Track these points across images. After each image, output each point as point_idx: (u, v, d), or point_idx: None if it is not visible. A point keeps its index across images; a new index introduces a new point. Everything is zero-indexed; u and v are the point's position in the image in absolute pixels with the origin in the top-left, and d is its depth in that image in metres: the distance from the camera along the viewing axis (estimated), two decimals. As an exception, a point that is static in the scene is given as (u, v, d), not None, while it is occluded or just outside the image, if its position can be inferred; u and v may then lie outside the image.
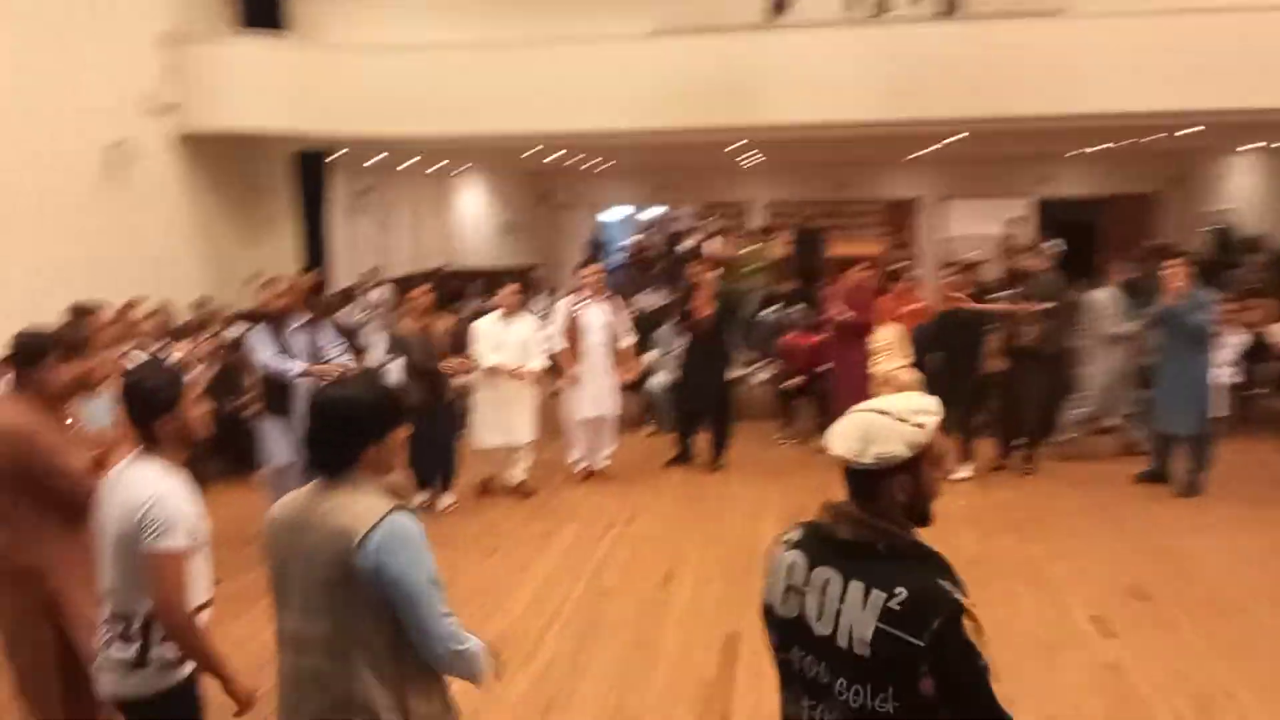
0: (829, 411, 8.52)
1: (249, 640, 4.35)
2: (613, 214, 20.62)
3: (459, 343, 7.20)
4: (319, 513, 2.21)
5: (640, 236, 19.70)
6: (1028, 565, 5.70)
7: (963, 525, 6.33)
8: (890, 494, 1.83)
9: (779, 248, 13.63)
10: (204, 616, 2.72)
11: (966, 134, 11.08)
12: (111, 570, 2.65)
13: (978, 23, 9.79)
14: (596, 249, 18.06)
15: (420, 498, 6.76)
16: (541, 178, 16.72)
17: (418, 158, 13.77)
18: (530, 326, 7.21)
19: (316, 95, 10.16)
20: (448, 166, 16.24)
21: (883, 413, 1.85)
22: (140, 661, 2.65)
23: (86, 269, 8.15)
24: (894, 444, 1.80)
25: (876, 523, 1.84)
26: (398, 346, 6.72)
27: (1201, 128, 10.54)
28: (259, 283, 6.26)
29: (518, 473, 7.29)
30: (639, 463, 8.05)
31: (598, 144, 12.07)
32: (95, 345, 4.47)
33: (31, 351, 3.19)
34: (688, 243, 18.54)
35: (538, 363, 7.14)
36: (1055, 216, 17.28)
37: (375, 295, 11.79)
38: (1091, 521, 6.44)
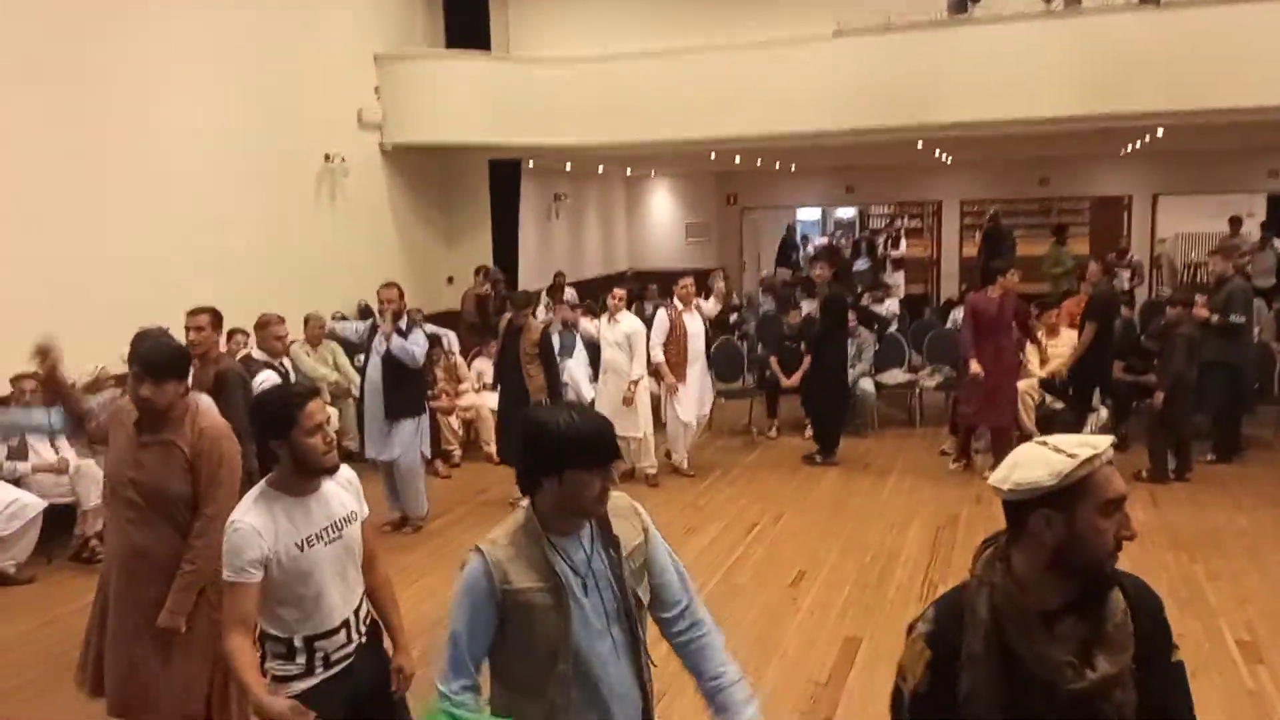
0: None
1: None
2: (807, 214, 20.53)
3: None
4: None
5: (826, 239, 19.54)
6: (1186, 584, 5.39)
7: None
8: (1038, 532, 1.63)
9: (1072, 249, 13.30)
10: (323, 645, 2.73)
11: (1161, 131, 10.34)
12: None
13: (1181, 10, 9.12)
14: (790, 250, 18.07)
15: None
16: (728, 179, 16.89)
17: (600, 167, 14.29)
18: (630, 327, 7.59)
19: (510, 107, 10.81)
20: (637, 172, 16.76)
21: (1043, 444, 1.68)
22: (263, 673, 2.69)
23: (303, 277, 9.08)
24: (1035, 471, 1.61)
25: (990, 559, 1.70)
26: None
27: None
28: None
29: (645, 464, 7.73)
30: (794, 464, 8.16)
31: (780, 147, 12.12)
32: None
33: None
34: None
35: (638, 369, 7.56)
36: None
37: (565, 296, 12.39)
38: (1267, 542, 5.97)
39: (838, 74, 9.92)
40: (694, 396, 7.88)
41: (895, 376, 9.37)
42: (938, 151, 13.52)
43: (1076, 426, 7.48)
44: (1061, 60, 9.24)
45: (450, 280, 11.68)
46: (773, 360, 9.04)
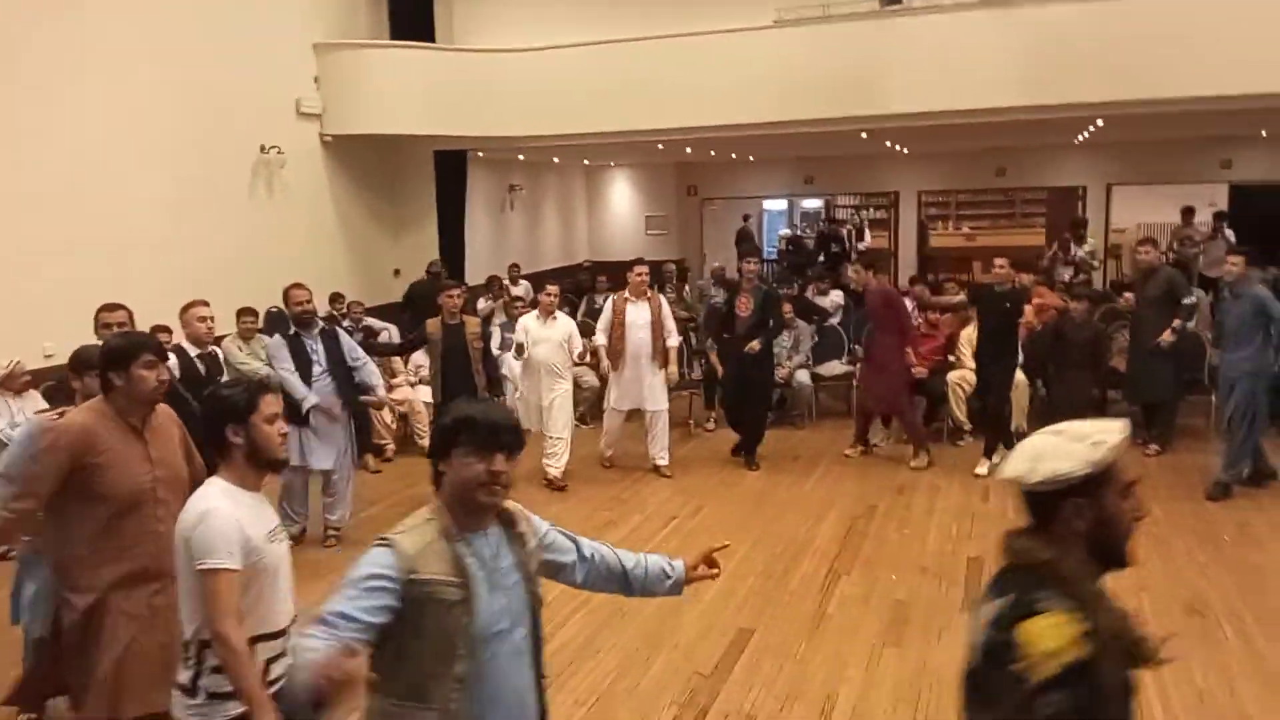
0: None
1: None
2: (770, 205, 20.50)
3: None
4: None
5: (787, 230, 19.52)
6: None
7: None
8: (1069, 520, 1.70)
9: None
10: (269, 647, 2.62)
11: (1101, 122, 10.34)
12: (179, 592, 2.62)
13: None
14: (746, 241, 18.03)
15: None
16: (688, 171, 16.86)
17: (556, 157, 14.25)
18: (567, 328, 7.44)
19: (454, 98, 10.77)
20: (595, 162, 16.70)
21: (1058, 433, 1.75)
22: (190, 689, 2.55)
23: (239, 267, 8.99)
24: (1064, 462, 1.68)
25: (1038, 546, 1.71)
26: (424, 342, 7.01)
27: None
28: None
29: (552, 466, 7.40)
30: (724, 459, 8.14)
31: (731, 138, 12.07)
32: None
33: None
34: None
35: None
36: (1252, 205, 15.84)
37: (516, 290, 12.34)
38: (1176, 533, 5.99)
39: (779, 64, 9.88)
40: (631, 390, 7.66)
41: (834, 368, 9.36)
42: (889, 142, 13.49)
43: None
44: (1001, 51, 9.21)
45: (397, 273, 11.62)
46: (711, 354, 8.99)
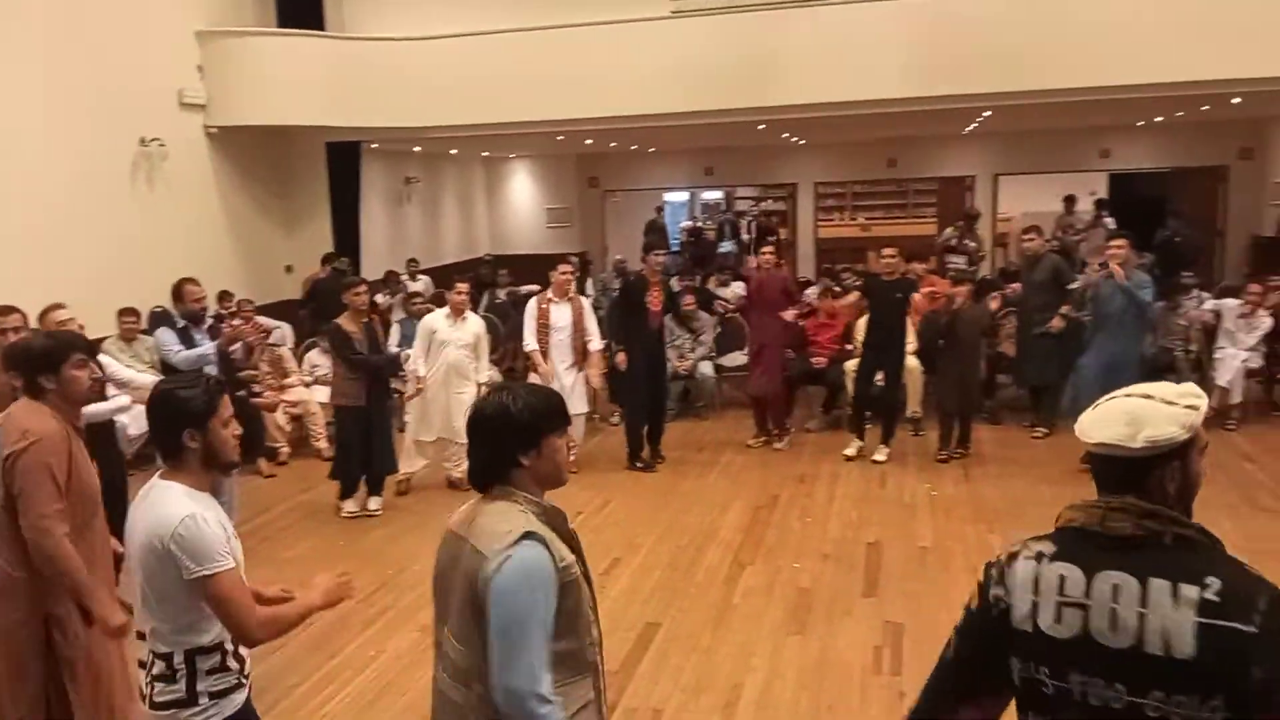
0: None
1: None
2: (671, 197, 20.58)
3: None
4: (473, 527, 2.14)
5: (691, 221, 19.65)
6: (980, 553, 5.56)
7: (928, 514, 6.26)
8: (1161, 483, 1.69)
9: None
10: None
11: (989, 112, 10.67)
12: (144, 607, 2.43)
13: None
14: (656, 233, 18.05)
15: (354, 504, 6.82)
16: (589, 162, 16.79)
17: (454, 149, 14.03)
18: (477, 327, 7.21)
19: (346, 88, 10.45)
20: (494, 154, 16.49)
21: (1148, 396, 1.73)
22: (190, 700, 2.41)
23: (120, 265, 8.58)
24: (1168, 426, 1.67)
25: (1161, 512, 1.68)
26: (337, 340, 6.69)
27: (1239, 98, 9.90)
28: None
29: (456, 470, 7.20)
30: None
31: (632, 129, 12.02)
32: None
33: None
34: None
35: (484, 373, 7.17)
36: (1130, 191, 16.58)
37: (415, 285, 12.11)
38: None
39: (677, 55, 9.86)
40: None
41: (736, 359, 9.44)
42: (786, 134, 13.68)
43: (895, 408, 7.71)
44: (893, 42, 9.38)
45: (289, 269, 11.26)
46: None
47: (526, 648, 1.99)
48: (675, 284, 9.27)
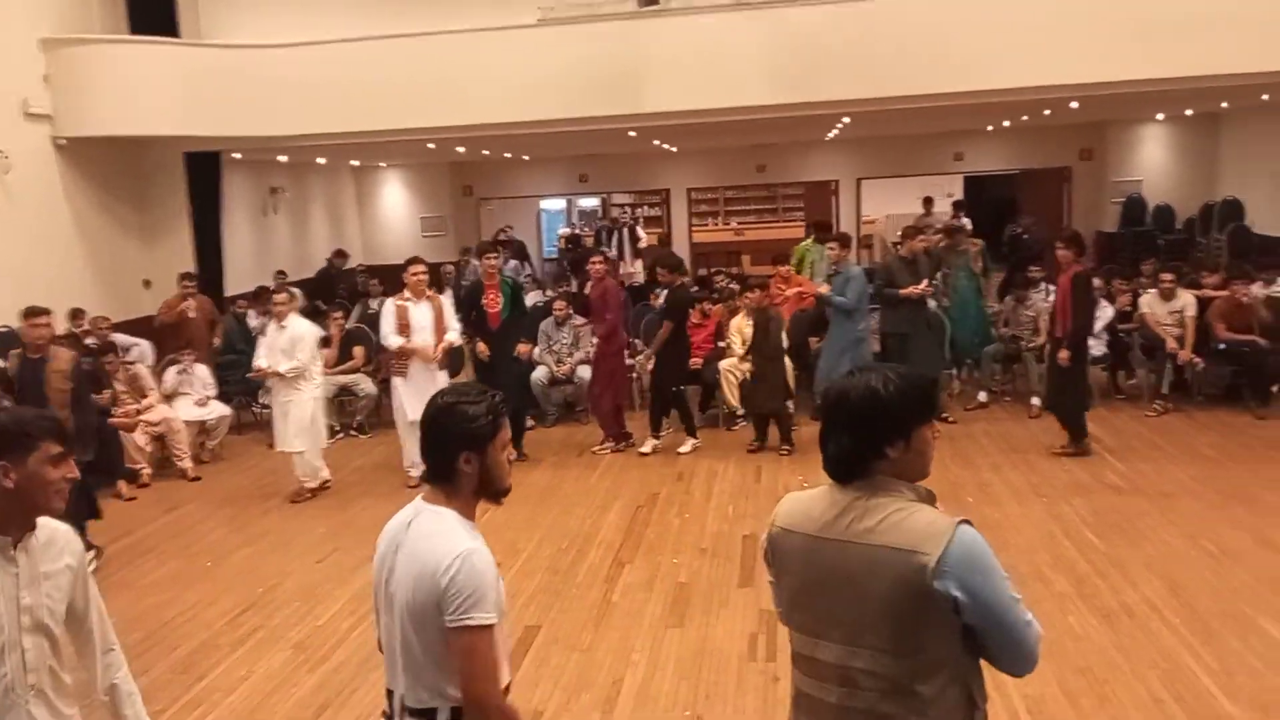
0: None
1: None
2: (548, 205, 20.61)
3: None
4: (857, 528, 1.93)
5: (569, 228, 19.70)
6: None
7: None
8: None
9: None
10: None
11: (848, 119, 11.09)
12: (405, 654, 2.14)
13: (862, 3, 9.72)
14: (505, 244, 17.89)
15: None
16: (463, 170, 16.67)
17: (321, 158, 13.73)
18: (295, 333, 7.07)
19: (204, 96, 10.09)
20: (364, 163, 16.19)
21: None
22: None
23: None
24: None
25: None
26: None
27: (1076, 103, 10.57)
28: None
29: (308, 481, 7.11)
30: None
31: (502, 136, 12.00)
32: None
33: None
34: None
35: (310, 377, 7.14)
36: (983, 193, 17.46)
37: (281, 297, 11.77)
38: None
39: (544, 63, 9.90)
40: (425, 395, 7.35)
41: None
42: (658, 141, 13.88)
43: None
44: (754, 51, 9.65)
45: (148, 284, 10.80)
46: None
47: (1020, 621, 1.88)
48: (549, 292, 9.26)
